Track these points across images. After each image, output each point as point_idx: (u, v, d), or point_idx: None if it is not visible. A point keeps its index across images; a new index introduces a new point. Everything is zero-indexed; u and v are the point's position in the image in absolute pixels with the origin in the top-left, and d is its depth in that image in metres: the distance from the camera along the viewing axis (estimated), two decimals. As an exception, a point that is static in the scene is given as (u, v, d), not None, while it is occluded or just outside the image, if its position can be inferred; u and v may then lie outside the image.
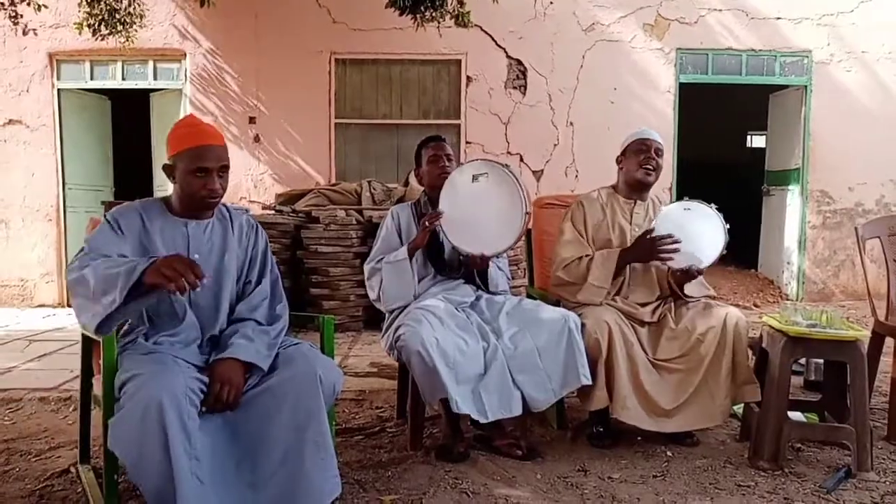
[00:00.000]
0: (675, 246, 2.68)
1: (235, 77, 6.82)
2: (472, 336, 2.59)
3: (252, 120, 6.82)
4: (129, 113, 7.86)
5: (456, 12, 5.62)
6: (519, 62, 6.81)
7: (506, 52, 6.80)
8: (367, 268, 2.87)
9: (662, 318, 2.79)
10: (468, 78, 6.83)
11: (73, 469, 2.49)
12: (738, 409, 2.85)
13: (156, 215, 2.06)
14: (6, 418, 3.16)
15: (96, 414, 2.30)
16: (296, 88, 6.77)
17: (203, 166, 1.97)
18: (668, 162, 6.78)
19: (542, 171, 6.84)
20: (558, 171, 6.83)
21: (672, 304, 2.85)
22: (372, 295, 2.87)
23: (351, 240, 5.51)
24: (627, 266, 2.85)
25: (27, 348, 4.73)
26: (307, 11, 6.70)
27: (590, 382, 2.55)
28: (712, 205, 2.81)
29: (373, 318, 5.45)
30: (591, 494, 2.29)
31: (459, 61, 6.84)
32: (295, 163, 6.86)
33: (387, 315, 2.85)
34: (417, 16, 5.44)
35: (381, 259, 2.82)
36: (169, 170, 2.04)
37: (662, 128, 6.67)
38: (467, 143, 6.83)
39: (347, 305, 5.47)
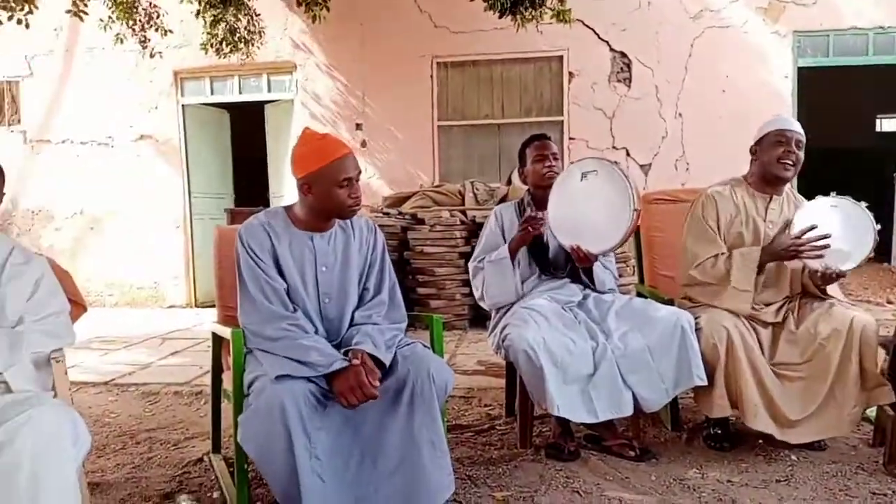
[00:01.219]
0: (823, 242, 2.46)
1: (343, 85, 7.07)
2: (579, 335, 2.56)
3: (359, 126, 7.04)
4: (245, 124, 8.34)
5: (556, 10, 5.56)
6: (623, 54, 6.66)
7: (609, 45, 6.66)
8: (471, 267, 2.91)
9: (784, 319, 2.63)
10: (570, 73, 6.75)
11: (206, 458, 2.68)
12: (871, 412, 2.66)
13: (281, 230, 2.10)
14: (147, 410, 3.44)
15: (226, 407, 2.46)
16: (400, 93, 6.93)
17: (347, 177, 2.01)
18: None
19: (649, 164, 6.65)
20: (667, 165, 6.61)
21: (797, 303, 2.67)
22: (476, 294, 2.91)
23: (455, 240, 5.59)
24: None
25: (161, 346, 5.12)
26: (409, 17, 6.84)
27: (704, 383, 2.47)
28: (863, 203, 2.51)
29: (478, 317, 5.50)
30: (709, 498, 2.21)
31: (561, 57, 6.77)
32: (400, 166, 7.02)
33: (493, 314, 2.88)
34: (517, 16, 5.43)
35: (484, 258, 2.85)
36: (306, 187, 2.05)
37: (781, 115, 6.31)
38: (571, 139, 6.75)
39: (453, 304, 5.54)
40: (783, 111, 6.34)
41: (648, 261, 3.29)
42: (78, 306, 2.13)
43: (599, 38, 6.65)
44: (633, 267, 5.36)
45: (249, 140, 8.52)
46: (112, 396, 3.69)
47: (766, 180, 2.71)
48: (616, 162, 2.71)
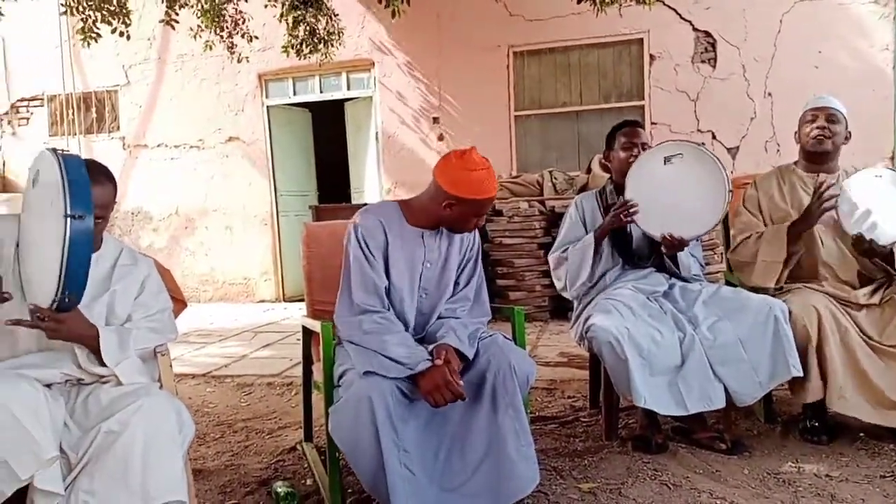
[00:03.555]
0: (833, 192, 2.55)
1: (419, 80, 7.14)
2: (666, 326, 2.50)
3: (436, 120, 7.10)
4: (326, 122, 8.55)
5: (637, -9, 5.43)
6: (707, 34, 6.42)
7: (692, 24, 6.43)
8: (552, 258, 2.88)
9: (887, 301, 2.51)
10: (651, 56, 6.57)
11: (299, 447, 2.79)
12: None
13: (394, 225, 2.14)
14: (242, 401, 3.61)
15: (316, 397, 2.56)
16: (476, 85, 6.94)
17: (484, 213, 2.10)
18: (888, 128, 6.02)
19: (737, 147, 6.40)
20: (757, 147, 6.34)
21: None
22: (559, 285, 2.87)
23: (534, 231, 5.56)
24: (817, 246, 2.67)
25: (253, 339, 5.34)
26: (484, 8, 6.83)
27: (800, 374, 2.37)
28: None
29: (559, 308, 5.47)
30: (805, 493, 2.13)
31: (641, 40, 6.59)
32: (478, 158, 7.02)
33: (575, 305, 2.85)
34: (596, 0, 5.33)
35: (567, 248, 2.82)
36: (449, 203, 2.04)
37: (880, 90, 5.97)
38: (653, 123, 6.56)
39: (533, 296, 5.53)
40: (883, 87, 5.98)
41: (737, 248, 3.18)
42: (179, 303, 2.25)
43: (682, 17, 6.44)
44: (721, 254, 5.19)
45: (330, 137, 8.74)
46: (210, 387, 3.89)
47: (808, 158, 2.81)
48: (702, 143, 2.65)
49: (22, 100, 8.39)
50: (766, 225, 2.80)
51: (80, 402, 1.74)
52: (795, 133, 2.83)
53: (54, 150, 1.63)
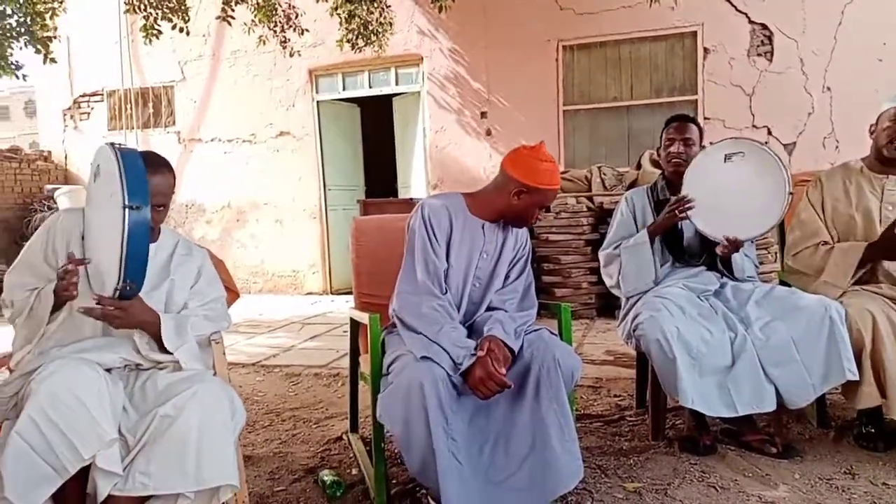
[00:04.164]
0: None
1: (467, 74, 7.13)
2: (716, 326, 2.46)
3: (483, 114, 7.08)
4: (374, 117, 8.63)
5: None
6: (763, 26, 6.24)
7: (748, 16, 6.26)
8: (602, 255, 2.86)
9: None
10: (705, 49, 6.42)
11: (344, 436, 2.84)
12: None
13: (459, 213, 2.20)
14: (290, 391, 3.68)
15: (362, 389, 2.60)
16: (524, 80, 6.90)
17: (547, 205, 2.20)
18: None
19: (794, 143, 6.20)
20: (814, 143, 6.14)
21: None
22: (610, 282, 2.84)
23: (582, 227, 5.51)
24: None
25: (301, 330, 5.44)
26: (533, 2, 6.77)
27: (856, 378, 2.29)
28: None
29: (606, 306, 5.41)
30: (860, 500, 2.07)
31: (695, 33, 6.45)
32: (525, 153, 6.98)
33: (623, 302, 2.82)
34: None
35: (619, 245, 2.78)
36: (518, 191, 2.11)
37: (948, 84, 5.71)
38: (706, 118, 6.42)
39: (580, 293, 5.48)
40: (952, 79, 5.71)
41: (792, 247, 3.09)
42: (232, 293, 2.32)
43: (737, 10, 6.27)
44: (776, 254, 5.05)
45: (378, 133, 8.81)
46: (259, 377, 3.98)
47: (881, 160, 2.64)
48: (766, 142, 2.58)
49: (83, 95, 8.70)
50: (826, 226, 2.69)
51: (138, 386, 1.81)
52: (871, 126, 2.65)
53: (112, 145, 1.70)
